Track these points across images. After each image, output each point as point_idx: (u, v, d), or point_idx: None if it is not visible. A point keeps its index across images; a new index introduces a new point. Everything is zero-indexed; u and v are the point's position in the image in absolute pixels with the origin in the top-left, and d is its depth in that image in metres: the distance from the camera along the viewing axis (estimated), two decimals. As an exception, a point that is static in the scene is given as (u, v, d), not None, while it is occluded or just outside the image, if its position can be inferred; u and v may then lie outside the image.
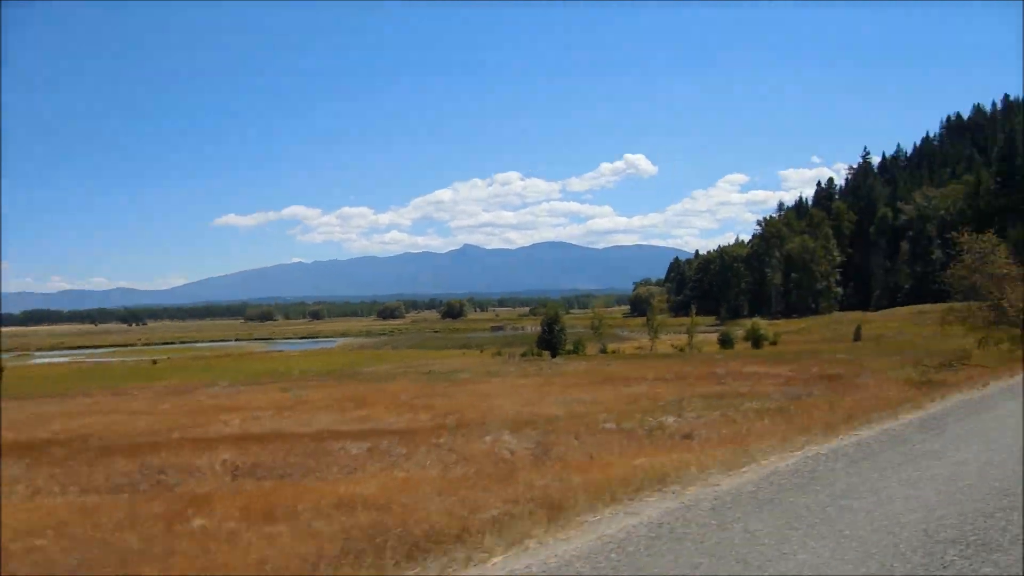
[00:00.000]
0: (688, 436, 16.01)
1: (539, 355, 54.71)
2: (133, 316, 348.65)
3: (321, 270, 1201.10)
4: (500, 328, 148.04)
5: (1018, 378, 13.21)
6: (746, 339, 60.34)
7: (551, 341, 57.17)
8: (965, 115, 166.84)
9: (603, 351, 60.30)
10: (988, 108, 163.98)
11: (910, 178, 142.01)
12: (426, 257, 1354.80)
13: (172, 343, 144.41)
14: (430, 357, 62.28)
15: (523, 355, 56.38)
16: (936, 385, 20.14)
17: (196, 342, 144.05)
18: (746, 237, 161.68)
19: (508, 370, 42.41)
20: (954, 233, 28.51)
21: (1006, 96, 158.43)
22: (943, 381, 23.53)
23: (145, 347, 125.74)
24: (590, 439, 15.83)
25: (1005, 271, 25.52)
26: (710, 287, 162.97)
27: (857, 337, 59.34)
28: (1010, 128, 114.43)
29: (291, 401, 28.05)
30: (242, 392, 34.14)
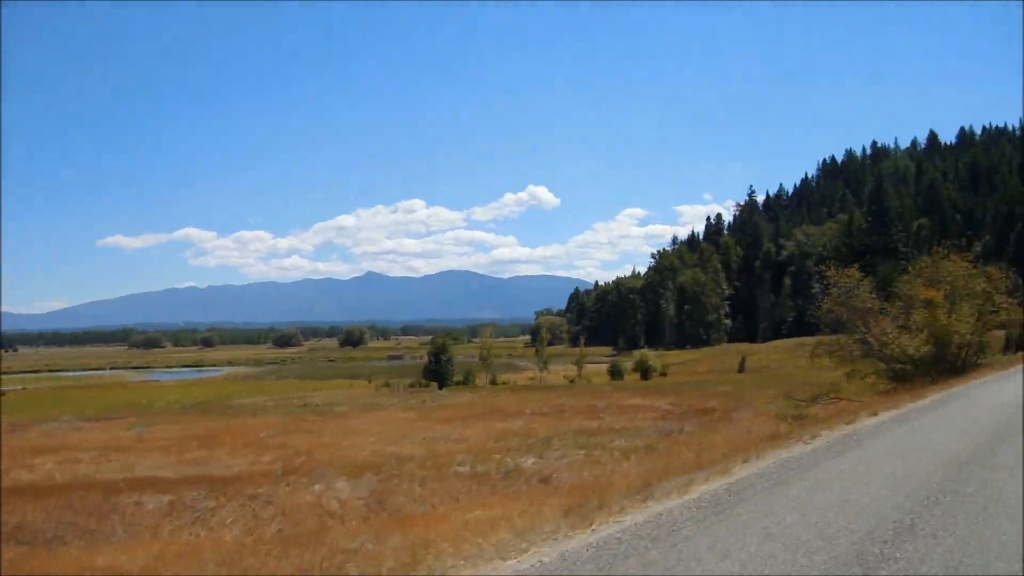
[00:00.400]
0: (546, 480, 14.81)
1: (427, 386, 52.86)
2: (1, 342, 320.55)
3: (215, 295, 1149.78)
4: (399, 357, 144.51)
5: (884, 416, 12.91)
6: (635, 370, 60.69)
7: (439, 372, 55.44)
8: (839, 159, 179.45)
9: (493, 382, 59.14)
10: (859, 153, 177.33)
11: (791, 216, 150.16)
12: (328, 284, 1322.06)
13: (38, 371, 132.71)
14: (314, 388, 59.21)
15: (410, 386, 54.38)
16: (806, 421, 19.91)
17: (64, 371, 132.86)
18: (643, 269, 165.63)
19: (390, 403, 40.45)
20: (822, 267, 29.11)
21: (874, 143, 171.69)
22: (814, 416, 23.60)
23: (3, 376, 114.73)
24: (436, 485, 14.38)
25: (869, 305, 26.01)
26: (607, 318, 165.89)
27: (742, 369, 60.79)
28: (878, 173, 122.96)
29: (130, 440, 25.21)
30: (82, 429, 30.70)
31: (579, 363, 60.13)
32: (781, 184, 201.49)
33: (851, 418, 10.43)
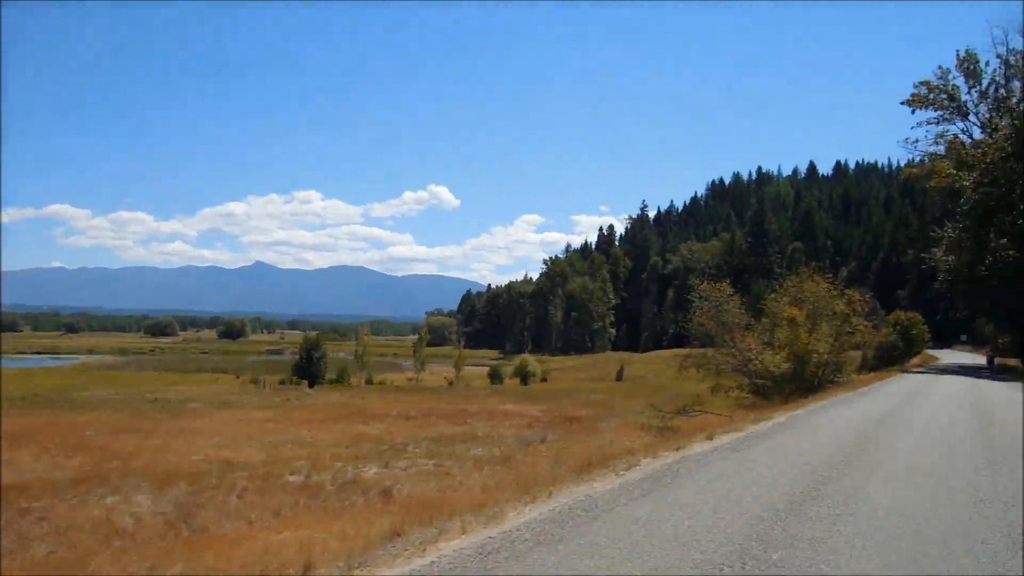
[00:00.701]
0: (386, 492, 13.57)
1: (298, 384, 50.22)
2: None
3: (87, 278, 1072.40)
4: (279, 352, 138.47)
5: (743, 432, 12.54)
6: (516, 375, 60.29)
7: (310, 369, 52.86)
8: (727, 181, 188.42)
9: (369, 382, 57.10)
10: (746, 177, 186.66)
11: (680, 232, 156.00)
12: (213, 272, 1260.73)
13: None
14: (173, 382, 55.08)
15: (280, 383, 51.52)
16: (669, 433, 19.62)
17: None
18: (535, 275, 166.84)
19: (250, 401, 37.80)
20: (695, 280, 29.40)
21: (759, 168, 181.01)
22: (678, 428, 23.52)
23: None
24: (257, 498, 12.81)
25: (737, 320, 26.30)
26: (497, 321, 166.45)
27: (620, 377, 61.55)
28: (761, 197, 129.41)
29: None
30: None
31: (457, 365, 58.98)
32: (672, 201, 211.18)
33: (683, 443, 9.67)
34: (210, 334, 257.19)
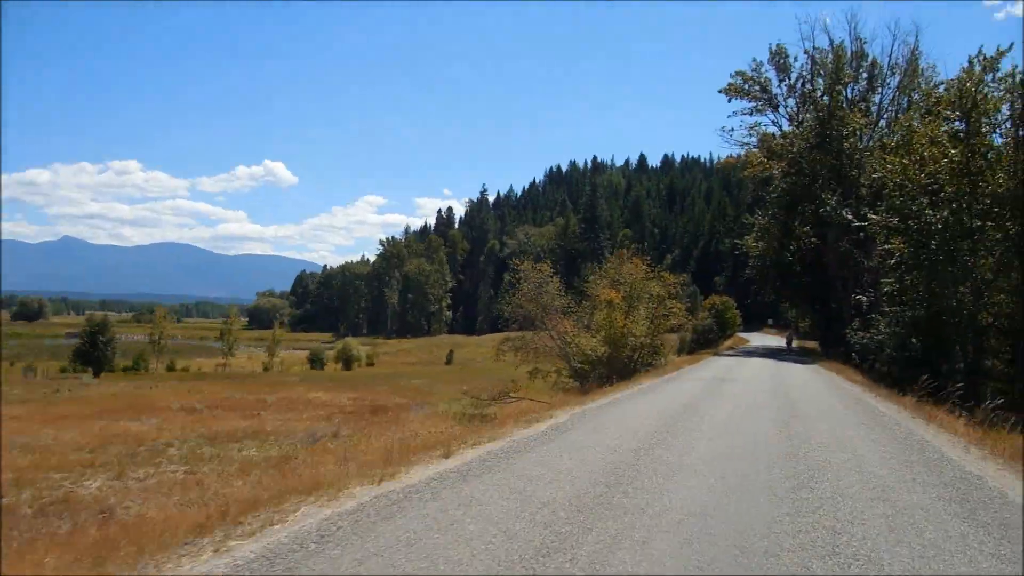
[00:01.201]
0: (108, 512, 10.85)
1: (82, 371, 44.05)
2: None
3: None
4: (78, 335, 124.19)
5: (557, 419, 11.03)
6: (338, 360, 56.92)
7: (95, 356, 46.53)
8: (564, 168, 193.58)
9: (171, 368, 51.54)
10: (581, 165, 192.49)
11: (518, 216, 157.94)
12: (11, 246, 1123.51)
13: None
14: (-75, 370, 46.59)
15: (62, 371, 45.03)
16: (479, 424, 18.13)
17: None
18: (374, 257, 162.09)
19: (9, 393, 32.15)
20: (515, 260, 28.14)
21: (595, 158, 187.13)
22: (492, 417, 22.09)
23: None
24: None
25: (557, 303, 25.29)
26: (331, 303, 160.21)
27: (449, 361, 60.07)
28: (594, 184, 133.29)
29: None
30: None
31: (271, 349, 54.70)
32: (511, 186, 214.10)
33: (447, 449, 7.78)
34: (4, 315, 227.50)
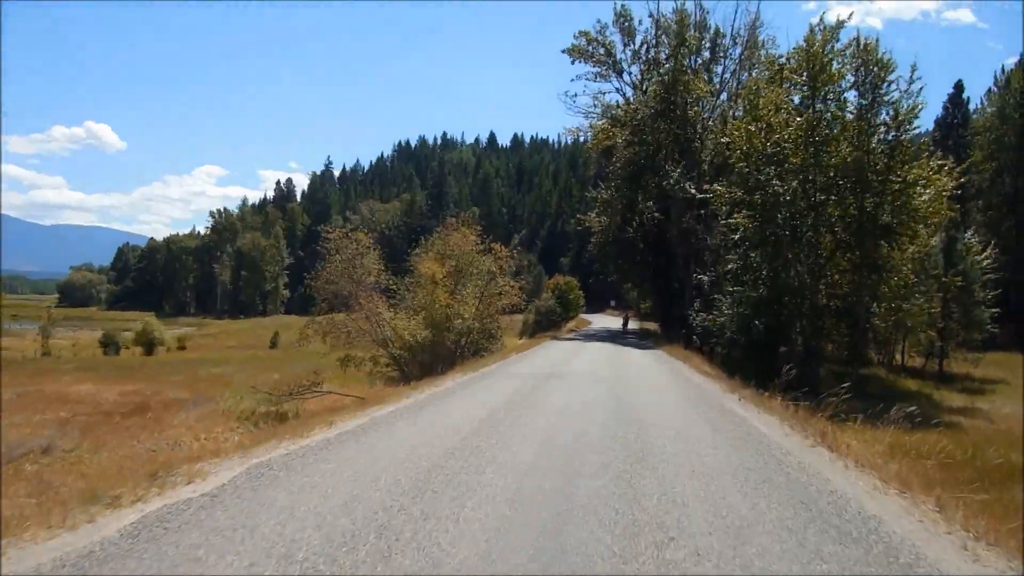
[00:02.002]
0: None
1: None
2: None
3: None
4: None
5: (359, 419, 8.12)
6: (138, 343, 49.55)
7: None
8: (413, 143, 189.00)
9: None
10: (431, 141, 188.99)
11: (365, 191, 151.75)
12: None
13: None
14: None
15: None
16: (268, 425, 14.45)
17: None
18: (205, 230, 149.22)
19: None
20: (323, 227, 24.14)
21: (444, 134, 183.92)
22: (286, 415, 18.27)
23: None
24: None
25: (373, 278, 21.69)
26: (154, 279, 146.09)
27: (274, 344, 54.67)
28: (442, 160, 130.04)
29: None
30: None
31: (44, 331, 46.48)
32: (358, 159, 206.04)
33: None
34: None
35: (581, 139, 35.54)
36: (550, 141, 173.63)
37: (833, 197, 21.08)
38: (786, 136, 21.59)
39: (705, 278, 28.83)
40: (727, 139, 24.22)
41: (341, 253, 21.82)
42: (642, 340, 30.28)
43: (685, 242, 29.52)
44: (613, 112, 32.19)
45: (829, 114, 21.80)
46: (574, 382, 11.77)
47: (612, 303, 77.91)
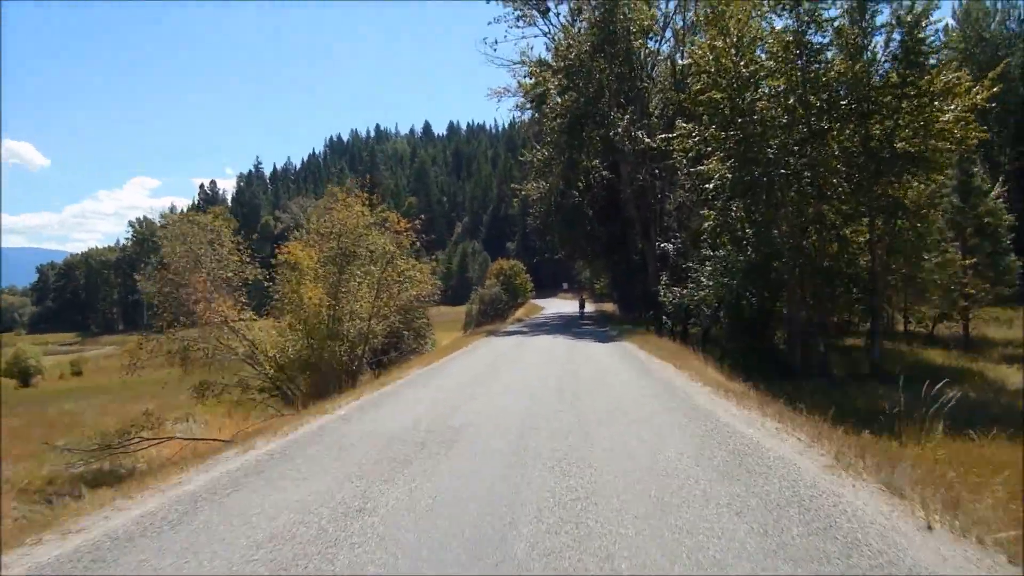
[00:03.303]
0: None
1: None
2: None
3: None
4: None
5: (213, 472, 4.91)
6: (8, 373, 41.19)
7: None
8: (346, 138, 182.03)
9: None
10: (364, 134, 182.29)
11: (297, 189, 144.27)
12: None
13: None
14: None
15: None
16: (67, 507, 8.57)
17: None
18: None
19: None
20: (166, 216, 18.02)
21: (377, 126, 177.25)
22: (103, 483, 12.52)
23: None
24: None
25: (230, 274, 15.99)
26: (75, 296, 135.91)
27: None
28: (373, 151, 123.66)
29: None
30: None
31: None
32: (289, 157, 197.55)
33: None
34: None
35: (508, 100, 29.50)
36: (487, 126, 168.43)
37: (837, 124, 16.04)
38: (772, 45, 16.52)
39: (670, 246, 23.75)
40: (688, 60, 19.15)
41: (186, 243, 16.09)
42: (601, 327, 24.74)
43: (642, 203, 24.32)
44: (539, 63, 26.18)
45: (814, 23, 16.77)
46: (477, 458, 5.71)
47: (564, 286, 72.87)
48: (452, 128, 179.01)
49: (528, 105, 25.84)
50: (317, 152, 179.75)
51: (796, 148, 16.05)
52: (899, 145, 15.56)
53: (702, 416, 6.53)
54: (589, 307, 41.47)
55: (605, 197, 26.64)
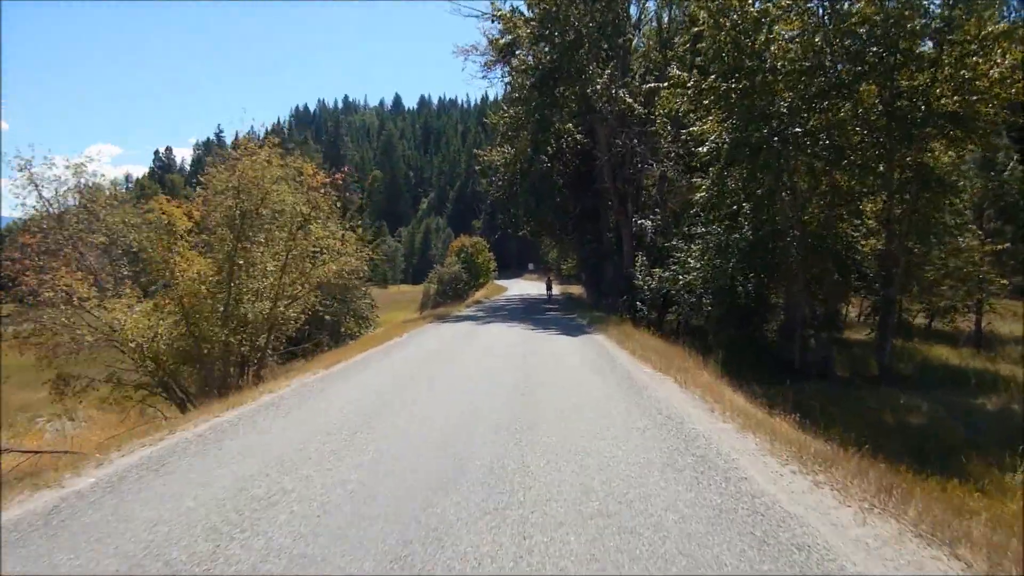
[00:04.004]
0: None
1: None
2: None
3: None
4: None
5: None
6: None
7: None
8: (312, 108, 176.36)
9: None
10: (331, 105, 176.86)
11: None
12: None
13: None
14: None
15: None
16: None
17: None
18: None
19: None
20: (18, 159, 14.47)
21: (346, 97, 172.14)
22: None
23: None
24: None
25: (104, 239, 12.72)
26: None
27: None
28: (338, 121, 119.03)
29: None
30: None
31: None
32: (252, 126, 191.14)
33: None
34: None
35: (477, 61, 25.81)
36: (459, 101, 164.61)
37: (864, 77, 13.09)
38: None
39: (649, 223, 20.82)
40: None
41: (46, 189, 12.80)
42: (568, 312, 21.71)
43: (620, 174, 21.27)
44: (512, 17, 22.74)
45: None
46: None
47: (531, 266, 70.01)
48: (423, 102, 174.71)
49: (496, 59, 22.54)
50: (282, 121, 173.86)
51: (815, 102, 13.10)
52: (942, 102, 12.69)
53: (782, 531, 3.37)
54: (555, 289, 38.58)
55: (578, 166, 23.56)
